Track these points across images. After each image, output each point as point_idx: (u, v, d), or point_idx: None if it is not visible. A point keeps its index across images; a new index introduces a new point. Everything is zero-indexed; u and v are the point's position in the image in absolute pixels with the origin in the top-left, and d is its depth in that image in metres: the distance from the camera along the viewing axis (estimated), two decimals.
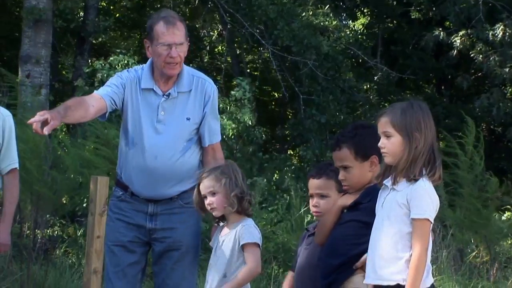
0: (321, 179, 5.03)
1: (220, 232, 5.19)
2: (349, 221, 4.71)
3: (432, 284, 4.38)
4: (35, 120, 4.84)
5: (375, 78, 19.30)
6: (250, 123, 13.31)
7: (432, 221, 4.27)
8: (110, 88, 5.60)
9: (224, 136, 12.45)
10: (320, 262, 4.87)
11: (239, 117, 13.06)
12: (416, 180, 4.29)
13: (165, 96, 5.60)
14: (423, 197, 4.29)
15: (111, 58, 13.43)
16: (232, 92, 13.22)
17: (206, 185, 5.09)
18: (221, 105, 12.95)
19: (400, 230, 4.30)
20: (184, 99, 5.64)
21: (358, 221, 4.66)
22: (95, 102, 5.45)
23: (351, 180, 4.81)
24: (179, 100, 5.63)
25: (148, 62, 5.69)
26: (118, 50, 13.99)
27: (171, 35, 5.48)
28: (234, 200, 5.04)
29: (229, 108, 13.18)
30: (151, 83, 5.61)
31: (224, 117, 13.01)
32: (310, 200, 5.13)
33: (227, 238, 5.09)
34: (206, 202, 5.10)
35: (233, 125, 12.88)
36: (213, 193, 5.08)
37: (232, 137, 12.97)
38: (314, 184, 5.10)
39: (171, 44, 5.47)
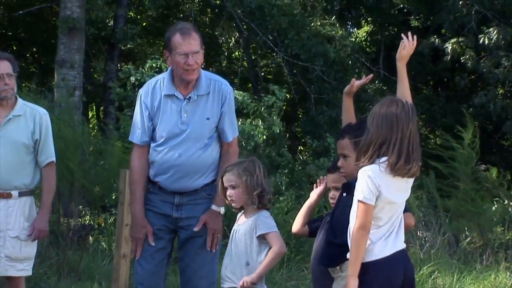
0: (336, 173, 5.04)
1: (238, 221, 5.16)
2: (346, 205, 4.71)
3: (386, 256, 4.40)
4: None
5: (376, 82, 19.30)
6: (278, 131, 13.23)
7: (365, 202, 4.33)
8: (143, 129, 5.66)
9: (254, 142, 12.43)
10: (325, 242, 4.92)
11: (268, 126, 12.95)
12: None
13: (186, 100, 5.60)
14: (359, 180, 4.39)
15: (147, 63, 13.30)
16: (265, 98, 13.11)
17: (228, 178, 5.05)
18: (253, 109, 12.86)
19: (353, 208, 4.45)
20: (204, 101, 5.63)
21: (351, 205, 4.62)
22: (144, 165, 5.69)
23: (347, 168, 4.83)
24: (199, 102, 5.62)
25: (169, 70, 5.70)
26: (153, 56, 13.94)
27: (187, 45, 5.47)
28: (256, 198, 5.00)
29: (260, 110, 13.04)
30: (172, 89, 5.61)
31: (257, 125, 12.86)
32: (329, 193, 5.14)
33: (242, 228, 5.06)
34: (227, 193, 5.07)
35: (265, 133, 12.80)
36: (233, 187, 5.04)
37: (262, 140, 12.86)
38: (330, 178, 5.14)
39: (187, 53, 5.46)
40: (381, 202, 4.35)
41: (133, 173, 5.76)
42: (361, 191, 4.35)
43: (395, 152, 4.32)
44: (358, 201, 4.35)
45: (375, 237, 4.39)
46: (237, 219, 5.20)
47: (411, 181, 4.48)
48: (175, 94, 5.60)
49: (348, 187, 4.80)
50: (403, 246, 4.52)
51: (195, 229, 5.60)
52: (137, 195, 5.69)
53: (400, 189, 4.43)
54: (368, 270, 4.36)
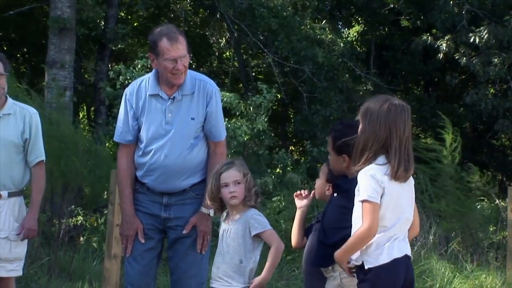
0: (324, 164, 5.13)
1: (226, 220, 5.15)
2: (336, 205, 4.73)
3: (393, 259, 4.33)
4: None
5: (365, 87, 19.36)
6: (262, 128, 13.20)
7: (370, 201, 4.25)
8: (127, 128, 5.67)
9: (239, 140, 12.41)
10: (317, 243, 4.89)
11: (254, 124, 12.92)
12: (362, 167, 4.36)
13: (170, 100, 5.59)
14: (360, 181, 4.32)
15: (136, 62, 13.29)
16: (253, 98, 13.09)
17: (232, 174, 5.05)
18: (240, 109, 12.83)
19: (355, 213, 4.37)
20: (188, 101, 5.62)
21: (341, 206, 4.64)
22: (130, 164, 5.70)
23: (330, 164, 4.89)
24: (184, 102, 5.61)
25: (153, 71, 5.67)
26: (142, 55, 13.92)
27: (175, 50, 5.46)
28: (254, 195, 5.04)
29: (247, 110, 13.00)
30: (157, 89, 5.60)
31: (241, 123, 12.83)
32: None
33: (234, 227, 5.05)
34: (228, 190, 5.04)
35: (248, 132, 12.77)
36: (237, 183, 5.04)
37: (246, 139, 12.83)
38: (322, 167, 5.17)
39: (176, 59, 5.45)
40: (385, 200, 4.28)
41: (120, 172, 5.77)
42: (364, 191, 4.27)
43: (396, 161, 4.28)
44: (363, 201, 4.27)
45: (382, 240, 4.32)
46: (223, 218, 5.18)
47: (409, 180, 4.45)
48: (160, 94, 5.60)
49: (339, 188, 4.79)
50: (410, 253, 4.47)
51: (184, 231, 5.60)
52: (125, 193, 5.70)
53: (401, 188, 4.39)
54: (372, 272, 4.34)
